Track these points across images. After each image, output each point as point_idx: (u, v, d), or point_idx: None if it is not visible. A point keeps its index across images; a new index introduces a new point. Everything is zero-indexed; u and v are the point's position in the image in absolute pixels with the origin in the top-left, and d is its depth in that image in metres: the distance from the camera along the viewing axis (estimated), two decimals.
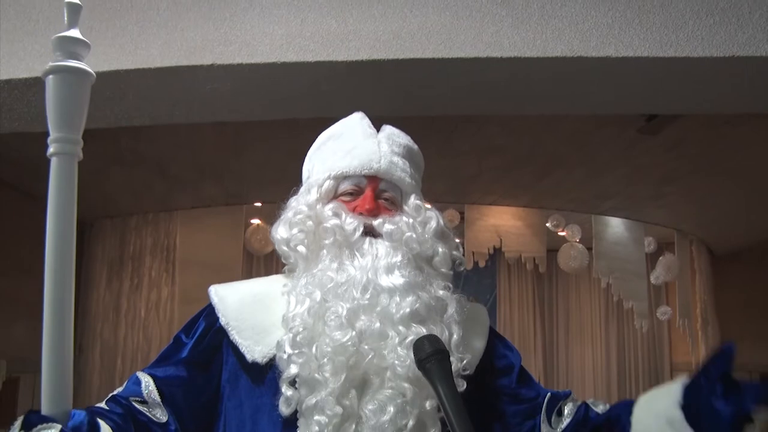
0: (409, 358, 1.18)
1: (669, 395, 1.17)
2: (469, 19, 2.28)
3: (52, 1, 2.39)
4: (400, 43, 2.27)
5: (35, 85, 2.39)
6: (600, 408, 1.36)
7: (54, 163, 1.10)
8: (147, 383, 1.29)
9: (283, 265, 1.46)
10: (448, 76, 2.38)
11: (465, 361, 1.28)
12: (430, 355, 1.11)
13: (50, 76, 1.10)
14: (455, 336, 1.29)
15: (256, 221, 6.12)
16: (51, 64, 1.10)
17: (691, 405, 1.14)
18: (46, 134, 1.14)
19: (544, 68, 2.31)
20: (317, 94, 2.55)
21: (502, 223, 5.94)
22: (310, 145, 1.56)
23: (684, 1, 2.23)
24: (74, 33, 1.13)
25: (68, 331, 1.08)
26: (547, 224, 6.08)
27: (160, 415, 1.26)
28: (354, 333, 1.22)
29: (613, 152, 4.45)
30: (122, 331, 5.50)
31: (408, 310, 1.25)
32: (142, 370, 1.34)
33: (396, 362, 1.20)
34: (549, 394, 1.41)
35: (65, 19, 1.14)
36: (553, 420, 1.37)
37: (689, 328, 6.42)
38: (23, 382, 4.74)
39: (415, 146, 1.52)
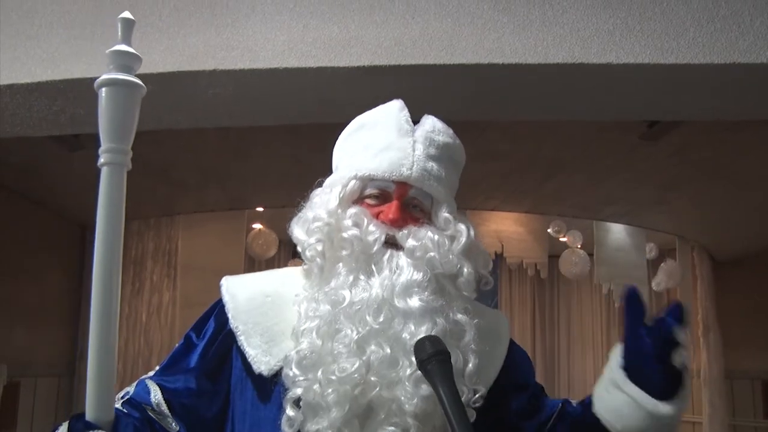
0: (417, 395, 1.15)
1: (612, 362, 1.25)
2: (470, 25, 2.28)
3: (55, 6, 2.40)
4: (401, 49, 2.27)
5: (37, 90, 2.39)
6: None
7: (104, 172, 1.11)
8: (155, 394, 1.26)
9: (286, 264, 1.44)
10: (449, 82, 2.38)
11: (478, 394, 1.24)
12: (432, 356, 1.09)
13: (103, 89, 1.11)
14: (470, 366, 1.24)
15: (257, 226, 6.12)
16: (104, 76, 1.11)
17: (631, 365, 1.20)
18: (96, 144, 1.15)
19: (545, 74, 2.31)
20: (319, 100, 2.55)
21: (503, 228, 5.95)
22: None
23: (685, 8, 2.24)
24: (127, 47, 1.14)
25: (113, 337, 1.08)
26: (549, 230, 6.08)
27: (173, 424, 1.24)
28: (361, 363, 1.17)
29: (615, 158, 4.45)
30: (123, 336, 5.49)
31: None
32: (152, 378, 1.30)
33: (403, 398, 1.16)
34: (560, 404, 1.38)
35: (119, 33, 1.16)
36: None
37: (690, 335, 6.41)
38: (24, 386, 4.73)
39: (457, 141, 1.41)
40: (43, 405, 4.94)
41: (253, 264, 6.62)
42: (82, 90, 2.41)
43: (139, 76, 2.47)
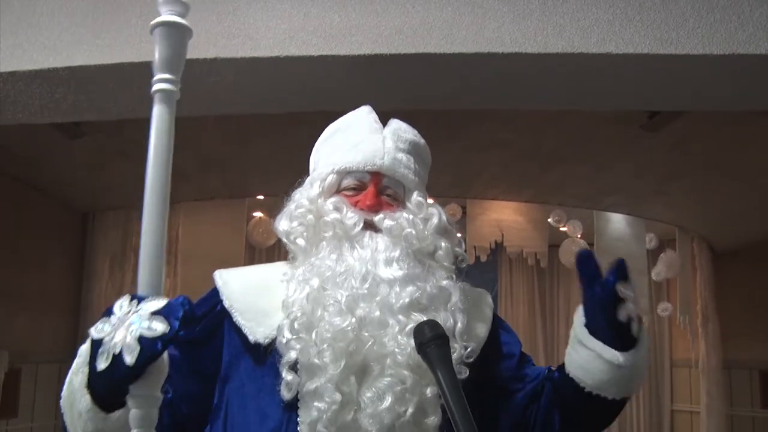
0: (409, 345, 1.19)
1: (576, 321, 1.30)
2: (470, 14, 2.29)
3: None
4: (402, 38, 2.28)
5: (39, 77, 2.40)
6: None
7: (157, 98, 1.21)
8: None
9: (287, 255, 1.48)
10: (449, 71, 2.39)
11: (469, 349, 1.30)
12: (430, 340, 1.13)
13: (157, 29, 1.21)
14: (459, 324, 1.31)
15: (258, 214, 6.13)
16: (158, 19, 1.21)
17: (592, 322, 1.26)
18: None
19: (544, 64, 2.32)
20: (319, 89, 2.56)
21: (504, 217, 5.95)
22: (313, 139, 1.57)
23: None
24: None
25: (164, 228, 1.19)
26: (549, 219, 6.08)
27: None
28: (354, 319, 1.23)
29: (616, 149, 4.46)
30: None
31: (407, 299, 1.26)
32: None
33: (396, 350, 1.21)
34: (547, 369, 1.45)
35: None
36: None
37: (690, 325, 6.42)
38: (25, 372, 4.76)
39: (422, 141, 1.53)
40: (44, 392, 4.96)
41: (254, 252, 6.64)
42: (84, 77, 2.42)
43: (140, 63, 2.49)
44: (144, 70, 2.38)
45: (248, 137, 4.23)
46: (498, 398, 1.42)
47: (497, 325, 1.49)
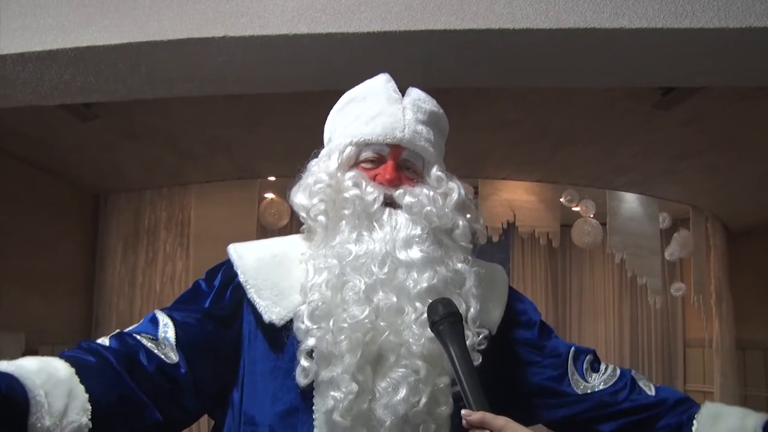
0: (424, 335, 1.20)
1: (744, 418, 1.27)
2: None
3: None
4: (411, 14, 2.26)
5: (48, 58, 2.40)
6: (645, 386, 1.39)
7: None
8: (165, 324, 1.27)
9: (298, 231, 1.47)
10: (459, 47, 2.37)
11: (481, 336, 1.29)
12: (443, 318, 1.14)
13: None
14: (472, 309, 1.30)
15: (269, 195, 6.14)
16: None
17: None
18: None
19: (556, 40, 2.29)
20: (329, 67, 2.54)
21: (515, 197, 5.92)
22: (323, 119, 1.55)
23: None
24: None
25: None
26: (561, 199, 6.04)
27: (172, 355, 1.23)
28: (371, 309, 1.22)
29: (629, 127, 4.42)
30: (137, 305, 5.56)
31: (425, 285, 1.26)
32: (161, 310, 1.32)
33: (411, 340, 1.21)
34: (573, 347, 1.44)
35: None
36: (586, 373, 1.40)
37: (703, 305, 6.39)
38: (41, 353, 4.78)
39: (440, 110, 1.51)
40: None
41: (266, 233, 6.64)
42: (93, 58, 2.42)
43: (148, 43, 2.48)
44: (152, 51, 2.38)
45: (258, 118, 4.22)
46: (522, 367, 1.42)
47: (512, 298, 1.48)
